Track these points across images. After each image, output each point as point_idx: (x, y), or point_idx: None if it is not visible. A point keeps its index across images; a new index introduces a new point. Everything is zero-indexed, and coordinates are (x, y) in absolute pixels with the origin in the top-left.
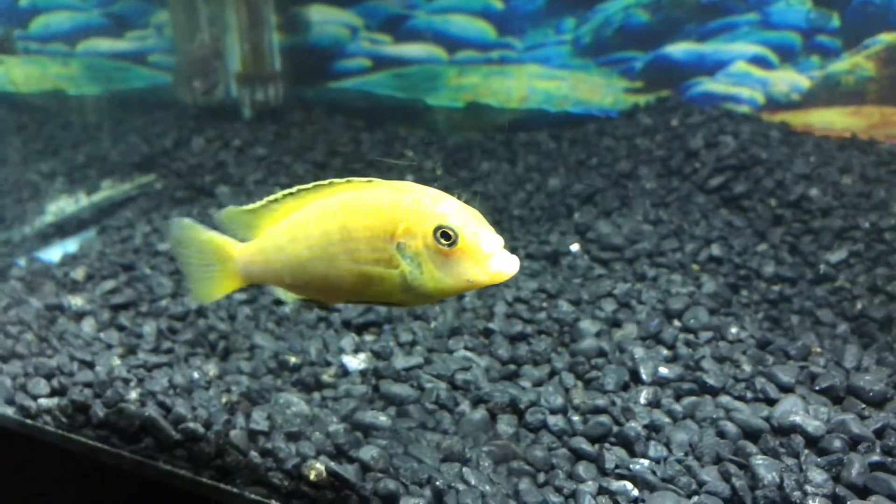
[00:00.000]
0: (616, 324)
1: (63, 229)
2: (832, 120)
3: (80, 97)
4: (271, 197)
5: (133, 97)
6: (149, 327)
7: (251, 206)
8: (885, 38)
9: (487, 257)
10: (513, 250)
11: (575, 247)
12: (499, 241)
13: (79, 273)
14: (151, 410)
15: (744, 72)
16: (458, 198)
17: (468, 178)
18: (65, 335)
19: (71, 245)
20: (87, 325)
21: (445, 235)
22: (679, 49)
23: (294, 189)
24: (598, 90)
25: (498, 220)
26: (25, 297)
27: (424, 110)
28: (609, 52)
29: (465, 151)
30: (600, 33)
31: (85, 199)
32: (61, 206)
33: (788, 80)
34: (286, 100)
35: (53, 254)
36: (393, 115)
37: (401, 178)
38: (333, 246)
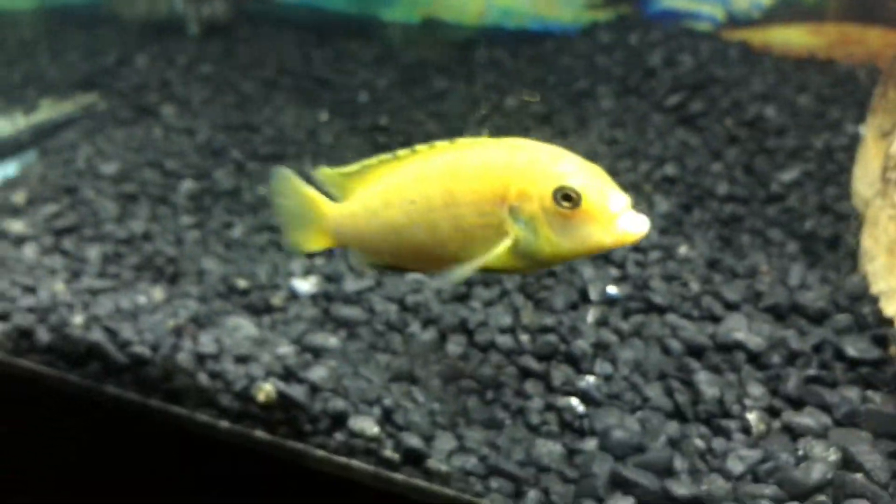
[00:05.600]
0: None
1: (0, 152)
2: (791, 39)
3: (11, 11)
4: (367, 161)
5: (69, 12)
6: (93, 252)
7: (347, 168)
8: None
9: (614, 218)
10: None
11: None
12: (626, 199)
13: (19, 197)
14: (97, 335)
15: None
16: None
17: (423, 97)
18: (6, 261)
19: (10, 168)
20: (30, 250)
21: (567, 197)
22: None
23: (392, 154)
24: (557, 5)
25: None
26: None
27: (378, 26)
28: None
29: (420, 69)
30: None
31: (23, 119)
32: None
33: None
34: (234, 15)
35: None
36: (345, 31)
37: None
38: (435, 212)
